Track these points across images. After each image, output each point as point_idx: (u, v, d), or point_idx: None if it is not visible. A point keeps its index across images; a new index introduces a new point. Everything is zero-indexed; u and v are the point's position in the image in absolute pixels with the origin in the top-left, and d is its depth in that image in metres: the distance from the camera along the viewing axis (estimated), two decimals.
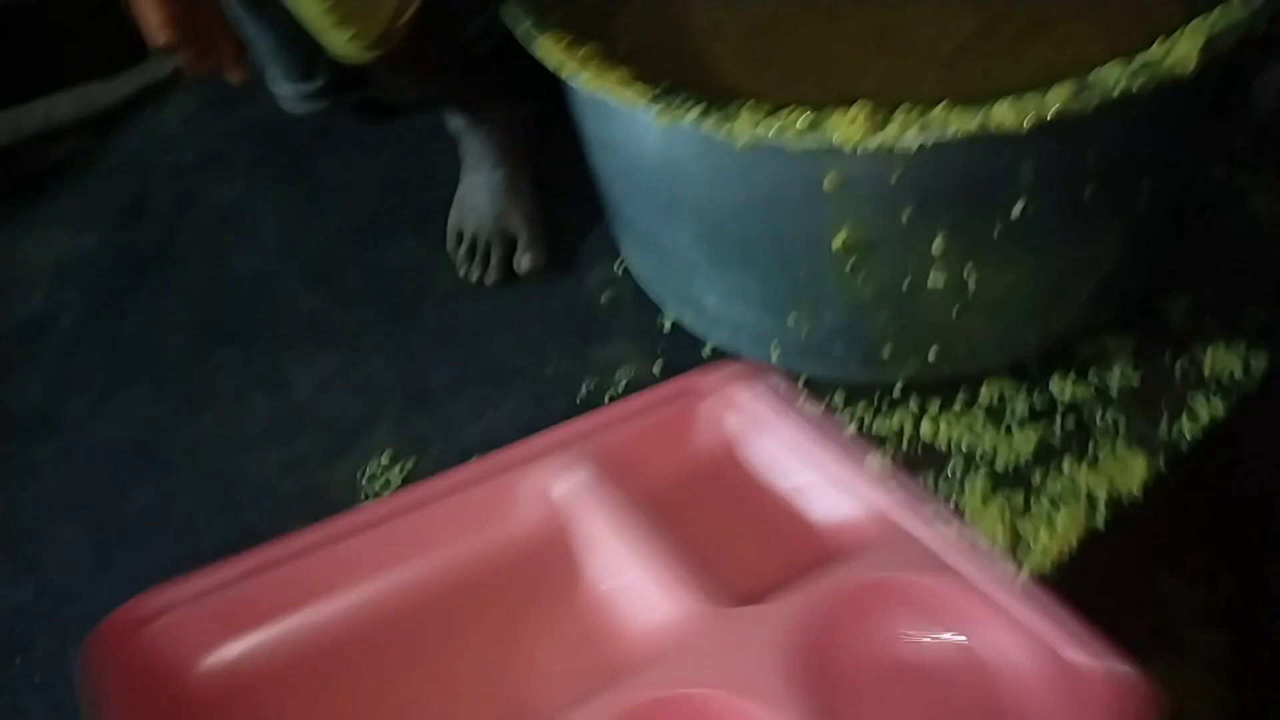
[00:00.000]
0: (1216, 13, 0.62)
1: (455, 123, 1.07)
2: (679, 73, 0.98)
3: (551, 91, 0.84)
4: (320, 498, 0.94)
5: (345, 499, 0.93)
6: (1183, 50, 0.60)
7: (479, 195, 1.07)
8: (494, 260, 1.05)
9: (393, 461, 0.94)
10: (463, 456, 0.93)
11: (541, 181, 1.09)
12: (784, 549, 0.67)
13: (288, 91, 1.20)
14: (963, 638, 0.58)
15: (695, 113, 0.66)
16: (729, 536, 0.68)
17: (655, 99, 0.67)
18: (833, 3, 1.02)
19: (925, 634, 0.59)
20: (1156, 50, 0.61)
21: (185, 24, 1.00)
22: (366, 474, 0.94)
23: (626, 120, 0.75)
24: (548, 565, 0.67)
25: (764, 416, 0.73)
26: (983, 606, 0.56)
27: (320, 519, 0.91)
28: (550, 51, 0.74)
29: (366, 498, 0.92)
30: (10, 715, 0.82)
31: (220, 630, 0.58)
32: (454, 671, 0.61)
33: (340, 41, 0.83)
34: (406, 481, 0.93)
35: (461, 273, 1.06)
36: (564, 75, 0.73)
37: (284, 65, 1.17)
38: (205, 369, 1.05)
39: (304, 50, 1.13)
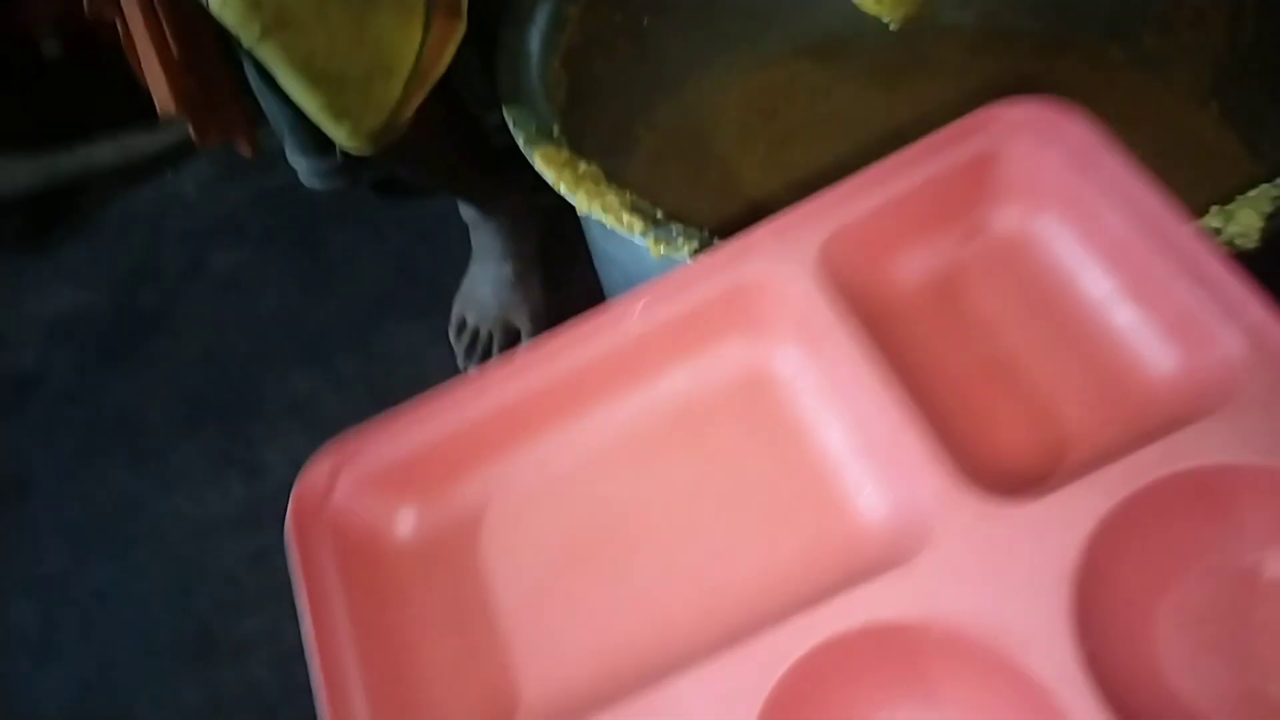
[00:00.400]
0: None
1: (468, 212, 1.04)
2: (698, 178, 0.96)
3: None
4: (280, 597, 0.88)
5: None
6: (1245, 220, 0.55)
7: (485, 287, 1.03)
8: (495, 353, 1.01)
9: None
10: None
11: (550, 278, 1.05)
12: (1087, 403, 0.44)
13: (305, 166, 1.18)
14: None
15: (688, 248, 0.61)
16: (1007, 382, 0.46)
17: (648, 230, 0.63)
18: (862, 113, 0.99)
19: None
20: (1214, 218, 0.55)
21: (194, 96, 0.99)
22: None
23: (625, 239, 0.71)
24: (761, 415, 0.49)
25: (1077, 186, 0.47)
26: None
27: (277, 619, 0.87)
28: (548, 166, 0.70)
29: None
30: None
31: (415, 484, 0.50)
32: (651, 524, 0.48)
33: (340, 134, 0.80)
34: None
35: (461, 365, 1.02)
36: (561, 192, 0.69)
37: (302, 140, 1.15)
38: (185, 446, 1.01)
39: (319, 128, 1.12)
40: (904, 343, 0.47)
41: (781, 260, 0.48)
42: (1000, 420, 0.45)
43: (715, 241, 0.60)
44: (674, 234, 0.62)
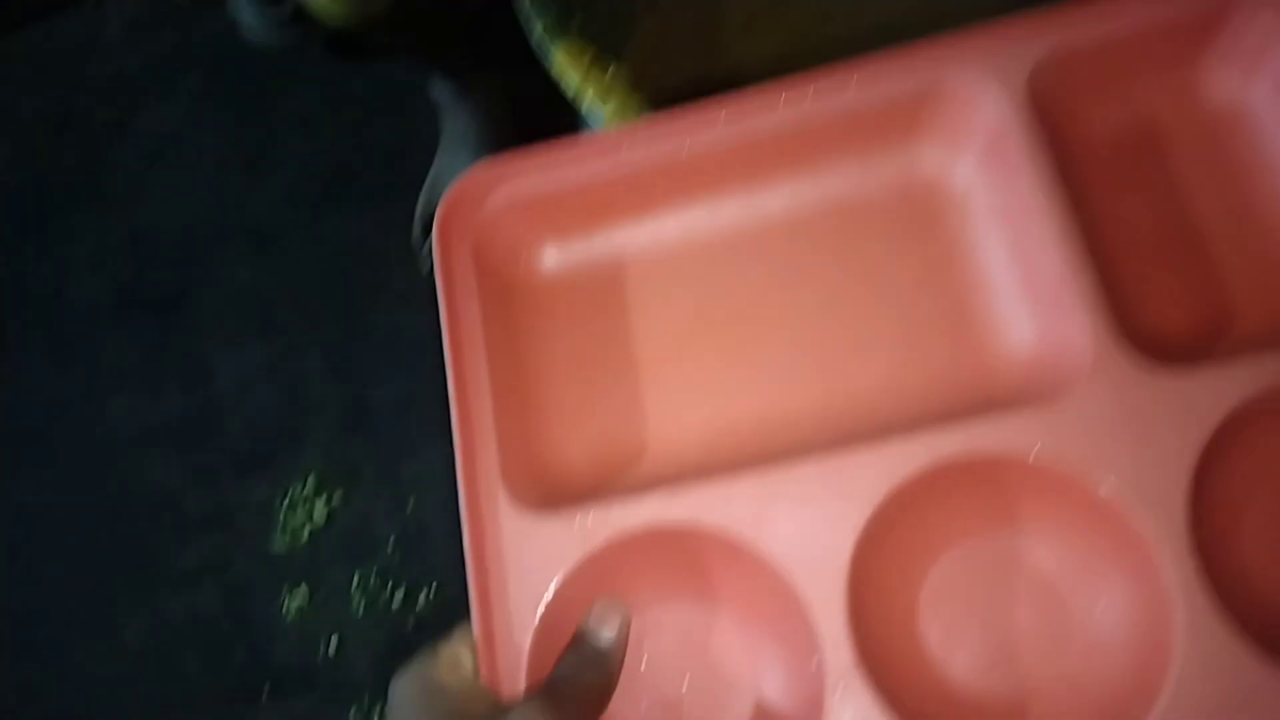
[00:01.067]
0: None
1: (440, 90, 0.92)
2: (698, 61, 0.87)
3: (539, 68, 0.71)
4: (228, 521, 0.82)
5: (257, 528, 0.81)
6: None
7: (456, 176, 0.93)
8: None
9: (318, 489, 0.82)
10: (397, 494, 0.81)
11: None
12: (1258, 287, 0.45)
13: (252, 19, 1.04)
14: None
15: None
16: (1183, 251, 0.47)
17: None
18: None
19: None
20: None
21: None
22: (286, 500, 0.81)
23: None
24: (923, 226, 0.49)
25: None
26: None
27: (223, 547, 0.81)
28: (571, 65, 0.60)
29: (282, 530, 0.80)
30: None
31: (564, 220, 0.50)
32: (789, 313, 0.49)
33: (327, 8, 0.69)
34: (331, 516, 0.81)
35: (425, 270, 0.92)
36: (585, 101, 0.60)
37: None
38: (114, 338, 0.92)
39: None
40: (1091, 188, 0.46)
41: (988, 71, 0.46)
42: (1168, 287, 0.45)
43: None
44: None
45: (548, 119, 0.86)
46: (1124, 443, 0.40)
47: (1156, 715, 0.36)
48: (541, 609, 0.41)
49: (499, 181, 0.48)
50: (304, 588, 0.78)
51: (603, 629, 0.42)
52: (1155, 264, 0.46)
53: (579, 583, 0.42)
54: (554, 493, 0.45)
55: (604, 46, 0.64)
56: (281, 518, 0.81)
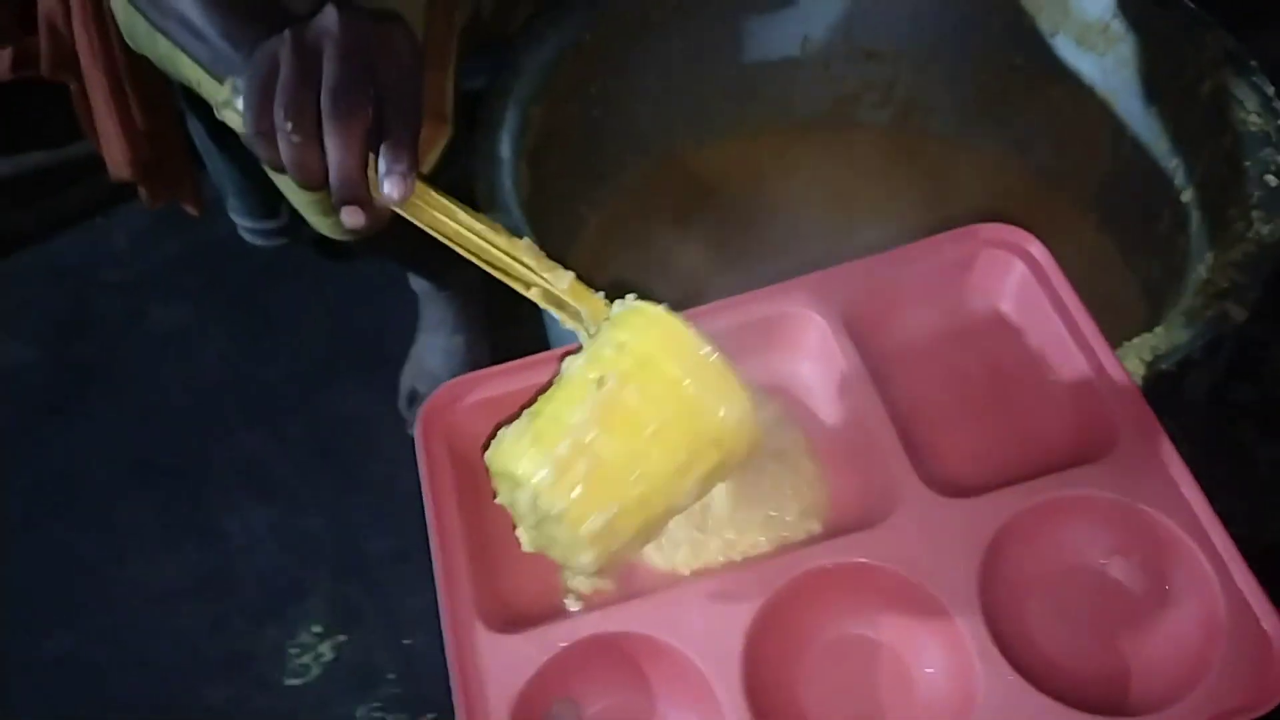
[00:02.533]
0: (1159, 333, 0.68)
1: (419, 284, 1.08)
2: (640, 254, 1.03)
3: None
4: (245, 665, 0.92)
5: (271, 671, 0.91)
6: (1130, 367, 0.66)
7: (435, 357, 1.08)
8: None
9: (324, 634, 0.93)
10: (398, 636, 0.93)
11: (499, 349, 1.10)
12: (1015, 439, 0.63)
13: (248, 224, 1.20)
14: (1169, 585, 0.55)
15: None
16: (963, 416, 0.64)
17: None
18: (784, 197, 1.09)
19: (1129, 563, 0.57)
20: None
21: (148, 161, 1.01)
22: (297, 643, 0.92)
23: None
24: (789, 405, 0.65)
25: (1031, 290, 0.65)
26: (1199, 553, 0.54)
27: (242, 687, 0.91)
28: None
29: (293, 671, 0.91)
30: None
31: (513, 417, 0.59)
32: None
33: (322, 225, 0.84)
34: (337, 655, 0.92)
35: (412, 433, 1.06)
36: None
37: (247, 201, 1.18)
38: (134, 508, 1.03)
39: (269, 189, 1.14)
40: (893, 377, 0.64)
41: (813, 304, 0.64)
42: (954, 441, 0.63)
43: None
44: None
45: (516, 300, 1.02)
46: (928, 550, 0.54)
47: None
48: (512, 705, 0.52)
49: (467, 392, 0.63)
50: None
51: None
52: (946, 426, 0.63)
53: (540, 684, 0.53)
54: (517, 617, 0.56)
55: (559, 242, 0.80)
56: (292, 660, 0.92)
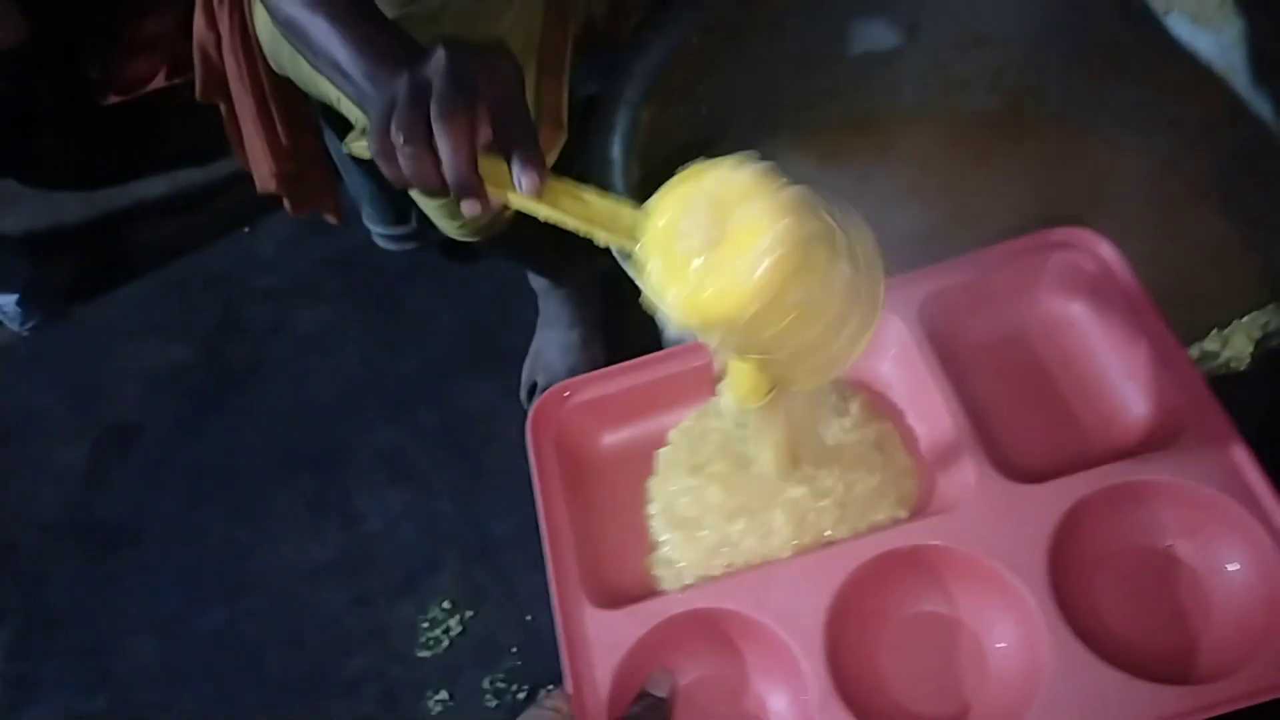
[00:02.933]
0: (1270, 309, 0.67)
1: (538, 282, 1.14)
2: None
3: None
4: (382, 638, 0.99)
5: (405, 642, 0.98)
6: (1238, 345, 0.65)
7: (553, 351, 1.13)
8: None
9: (452, 609, 0.99)
10: (520, 613, 0.98)
11: (613, 343, 1.15)
12: (1086, 429, 0.67)
13: (381, 230, 1.28)
14: (1232, 564, 0.58)
15: None
16: (1036, 410, 0.68)
17: None
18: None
19: (1192, 544, 0.60)
20: (1211, 341, 0.66)
21: (292, 175, 1.09)
22: (429, 618, 0.99)
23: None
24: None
25: (1101, 289, 0.69)
26: (1263, 533, 0.56)
27: (378, 659, 0.98)
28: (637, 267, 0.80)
29: (425, 644, 0.97)
30: None
31: (614, 415, 0.71)
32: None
33: (449, 228, 0.90)
34: (464, 630, 0.98)
35: None
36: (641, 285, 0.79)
37: (380, 208, 1.25)
38: (283, 495, 1.12)
39: (400, 197, 1.21)
40: (968, 374, 0.68)
41: (890, 308, 0.66)
42: (1026, 432, 0.67)
43: None
44: None
45: (629, 293, 1.06)
46: (1000, 533, 0.58)
47: (1037, 708, 0.53)
48: (614, 673, 0.57)
49: (573, 393, 0.70)
50: (444, 691, 0.95)
51: (658, 690, 0.58)
52: (1019, 419, 0.67)
53: (640, 654, 0.58)
54: (619, 596, 0.62)
55: None
56: (424, 633, 0.98)
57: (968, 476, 0.61)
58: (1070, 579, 0.57)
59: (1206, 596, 0.59)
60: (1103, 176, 1.11)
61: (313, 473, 1.13)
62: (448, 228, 0.91)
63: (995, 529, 0.59)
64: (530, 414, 0.69)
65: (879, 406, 0.69)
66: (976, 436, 0.62)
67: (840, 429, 0.68)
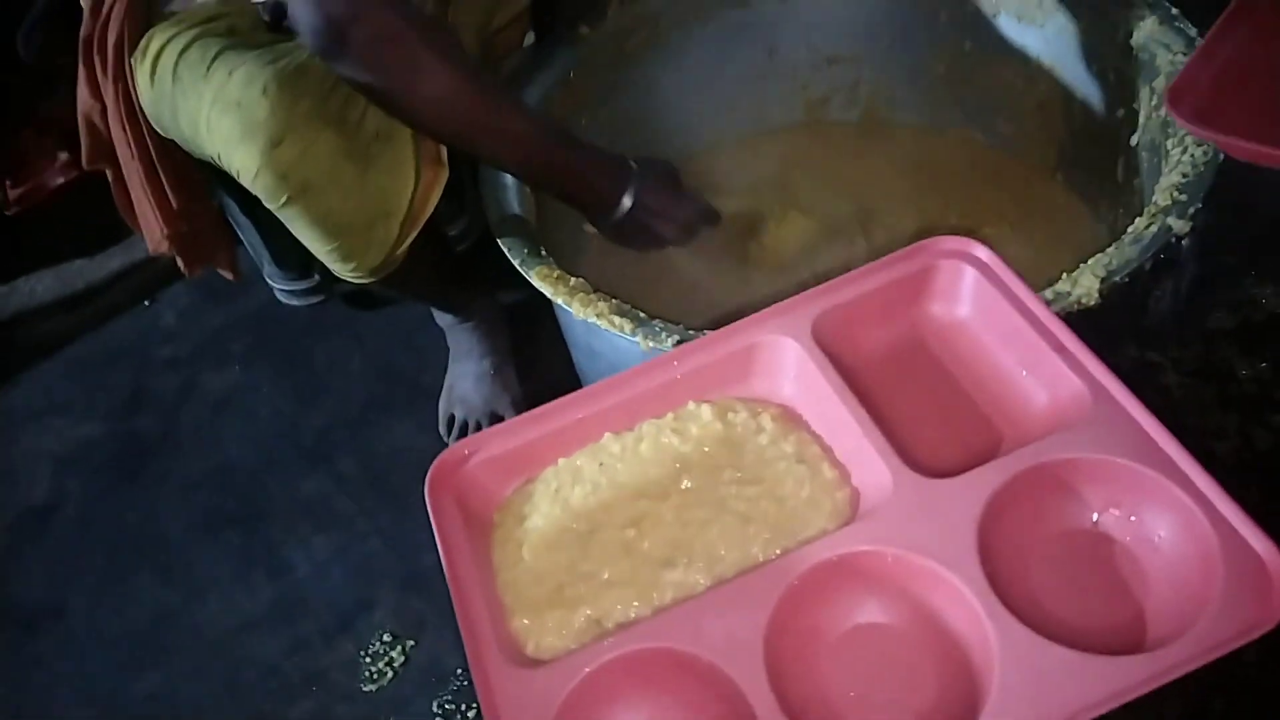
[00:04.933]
0: (1110, 251, 0.75)
1: (443, 318, 1.17)
2: (637, 268, 1.11)
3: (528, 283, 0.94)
4: (324, 679, 0.99)
5: (347, 680, 0.99)
6: (1086, 284, 0.73)
7: (467, 382, 1.16)
8: None
9: (393, 641, 1.00)
10: (458, 637, 0.99)
11: (521, 368, 1.18)
12: (992, 423, 0.67)
13: (284, 286, 1.30)
14: (1160, 531, 0.58)
15: (670, 341, 0.76)
16: (940, 411, 0.69)
17: (636, 329, 0.78)
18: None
19: (1116, 517, 0.60)
20: (1064, 283, 0.73)
21: (184, 234, 1.10)
22: (370, 653, 1.00)
23: (610, 336, 0.85)
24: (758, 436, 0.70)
25: (984, 291, 0.70)
26: (1183, 495, 0.56)
27: (324, 700, 0.98)
28: (544, 282, 0.84)
29: (368, 677, 0.98)
30: None
31: (513, 469, 0.70)
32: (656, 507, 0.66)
33: (343, 271, 0.93)
34: (407, 659, 0.99)
35: None
36: (558, 302, 0.83)
37: (280, 265, 1.28)
38: (207, 554, 1.12)
39: (300, 252, 1.23)
40: (870, 386, 0.70)
41: (784, 329, 0.71)
42: (932, 433, 0.68)
43: (692, 334, 0.76)
44: (658, 330, 0.77)
45: (533, 320, 1.10)
46: (926, 530, 0.58)
47: (991, 700, 0.52)
48: None
49: (472, 450, 0.69)
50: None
51: None
52: (925, 422, 0.68)
53: (572, 713, 0.55)
54: (539, 654, 0.60)
55: (564, 266, 0.89)
56: (366, 668, 0.99)
57: (884, 480, 0.61)
58: (1004, 567, 0.58)
59: (1141, 565, 0.59)
60: (961, 170, 1.20)
61: (236, 529, 1.13)
62: (341, 270, 0.93)
63: (920, 526, 0.59)
64: (429, 476, 0.68)
65: (790, 420, 0.70)
66: (888, 442, 0.63)
67: (757, 446, 0.68)
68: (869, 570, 0.60)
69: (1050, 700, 0.52)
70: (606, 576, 0.63)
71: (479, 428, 1.14)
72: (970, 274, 0.71)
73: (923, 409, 0.70)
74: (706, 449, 0.69)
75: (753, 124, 1.25)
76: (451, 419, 1.16)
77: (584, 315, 0.81)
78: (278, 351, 1.30)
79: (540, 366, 1.19)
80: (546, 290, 0.84)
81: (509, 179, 0.96)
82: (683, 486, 0.67)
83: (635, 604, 0.61)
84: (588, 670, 0.57)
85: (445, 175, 0.93)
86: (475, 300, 1.16)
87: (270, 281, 1.31)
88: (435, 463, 0.68)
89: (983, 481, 0.60)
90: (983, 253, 0.71)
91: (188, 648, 1.04)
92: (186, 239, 1.13)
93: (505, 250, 0.89)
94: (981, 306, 0.71)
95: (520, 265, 0.87)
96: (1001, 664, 0.53)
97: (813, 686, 0.58)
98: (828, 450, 0.67)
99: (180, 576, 1.10)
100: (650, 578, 0.62)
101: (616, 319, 0.80)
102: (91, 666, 1.05)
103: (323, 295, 1.31)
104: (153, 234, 1.10)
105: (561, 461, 0.70)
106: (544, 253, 0.89)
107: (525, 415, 0.71)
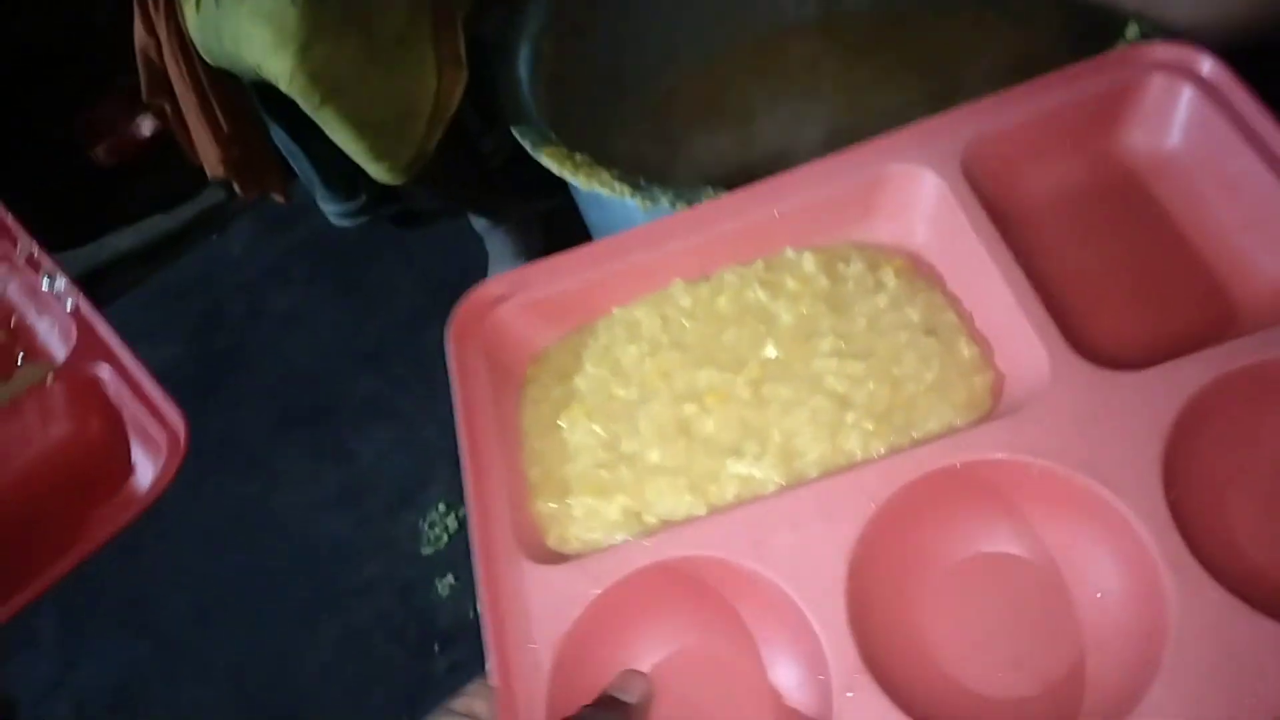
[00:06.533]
0: None
1: (480, 224, 1.25)
2: (667, 165, 1.18)
3: (558, 190, 1.02)
4: (389, 546, 1.09)
5: (410, 545, 1.09)
6: None
7: None
8: None
9: (447, 510, 1.10)
10: None
11: None
12: (1198, 305, 0.49)
13: (334, 209, 1.40)
14: None
15: (666, 200, 0.83)
16: (1126, 277, 0.51)
17: (635, 193, 0.84)
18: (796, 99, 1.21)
19: None
20: None
21: (238, 161, 1.20)
22: (428, 521, 1.09)
23: (619, 207, 0.92)
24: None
25: (1205, 118, 0.51)
26: None
27: (388, 562, 1.08)
28: (553, 160, 0.91)
29: (427, 541, 1.08)
30: None
31: (557, 316, 0.57)
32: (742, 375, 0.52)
33: (379, 171, 1.02)
34: (460, 524, 1.08)
35: None
36: (565, 177, 0.91)
37: (329, 188, 1.37)
38: (280, 452, 1.23)
39: (346, 175, 1.32)
40: (1033, 240, 0.52)
41: (923, 159, 0.52)
42: (1113, 310, 0.51)
43: (688, 195, 0.83)
44: (655, 193, 0.83)
45: (569, 225, 1.17)
46: (1093, 439, 0.42)
47: (1160, 683, 0.38)
48: (557, 653, 0.42)
49: (507, 291, 0.56)
50: (450, 576, 1.05)
51: (626, 694, 0.43)
52: (1100, 294, 0.51)
53: (593, 627, 0.44)
54: (562, 545, 0.48)
55: (571, 146, 0.95)
56: (426, 534, 1.09)
57: (1040, 366, 0.45)
58: (1196, 500, 0.42)
59: None
60: (974, 49, 1.23)
61: (304, 428, 1.24)
62: (378, 171, 1.01)
63: (1084, 433, 0.43)
64: (453, 318, 0.58)
65: (920, 278, 0.53)
66: (1050, 315, 0.46)
67: (872, 309, 0.52)
68: (1005, 485, 0.44)
69: (1249, 688, 0.37)
70: (655, 459, 0.50)
71: None
72: (1187, 94, 0.52)
73: (1102, 275, 0.52)
74: (804, 309, 0.53)
75: (770, 23, 1.29)
76: None
77: (588, 186, 0.88)
78: (334, 271, 1.40)
79: None
80: (554, 167, 0.91)
81: (522, 72, 1.03)
82: (766, 355, 0.52)
83: (687, 498, 0.48)
84: (616, 578, 0.44)
85: (464, 75, 1.00)
86: (509, 205, 1.24)
87: (322, 205, 1.40)
88: (462, 303, 0.57)
89: (1179, 379, 0.43)
90: (1207, 65, 0.52)
91: (268, 530, 1.16)
92: (240, 163, 1.22)
93: (517, 136, 0.96)
94: (1199, 140, 0.52)
95: (531, 148, 0.94)
96: (1180, 632, 0.39)
97: (906, 631, 0.44)
98: (967, 319, 0.51)
99: (258, 472, 1.21)
100: (709, 467, 0.49)
101: (617, 185, 0.87)
102: (186, 554, 1.17)
103: (370, 215, 1.40)
104: (209, 159, 1.21)
105: (616, 311, 0.56)
106: (554, 137, 0.96)
107: (577, 250, 0.56)
